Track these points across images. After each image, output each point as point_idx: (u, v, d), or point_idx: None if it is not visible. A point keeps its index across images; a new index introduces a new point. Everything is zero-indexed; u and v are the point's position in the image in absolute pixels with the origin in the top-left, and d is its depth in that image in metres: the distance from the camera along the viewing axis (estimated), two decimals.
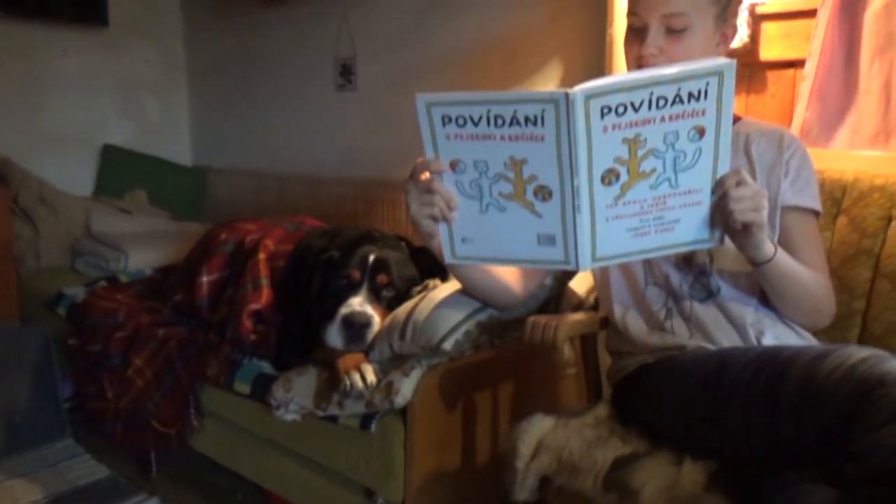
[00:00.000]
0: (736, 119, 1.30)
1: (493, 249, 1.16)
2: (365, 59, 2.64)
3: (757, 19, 1.62)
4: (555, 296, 1.60)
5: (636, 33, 1.23)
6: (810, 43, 1.52)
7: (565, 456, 1.08)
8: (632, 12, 1.24)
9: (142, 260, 2.59)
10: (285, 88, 2.98)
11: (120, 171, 3.18)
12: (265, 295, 1.79)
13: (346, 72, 2.69)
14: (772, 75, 1.64)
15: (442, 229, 1.17)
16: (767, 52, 1.62)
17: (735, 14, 1.26)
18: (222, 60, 3.26)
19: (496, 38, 2.22)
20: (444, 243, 1.19)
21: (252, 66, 3.12)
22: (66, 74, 3.08)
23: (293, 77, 2.94)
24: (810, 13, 1.54)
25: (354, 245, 1.67)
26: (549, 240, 1.10)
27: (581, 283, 1.67)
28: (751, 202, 1.04)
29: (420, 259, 1.71)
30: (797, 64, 1.59)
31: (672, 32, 1.19)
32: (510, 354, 1.60)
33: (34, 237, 2.72)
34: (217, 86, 3.32)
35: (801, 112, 1.55)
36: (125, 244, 2.61)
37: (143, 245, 2.65)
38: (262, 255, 1.87)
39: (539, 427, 1.16)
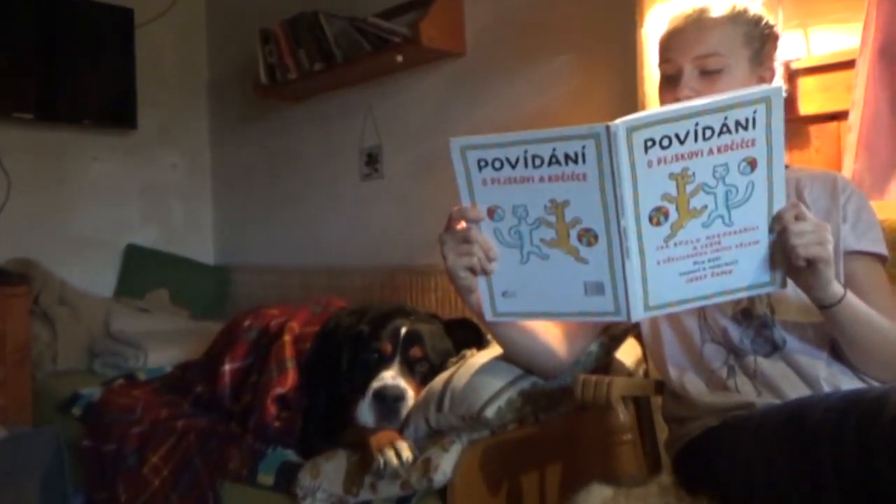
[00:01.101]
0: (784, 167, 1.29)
1: (537, 303, 1.12)
2: (391, 147, 2.71)
3: (793, 75, 1.63)
4: (601, 366, 1.54)
5: (670, 81, 1.24)
6: (852, 93, 1.52)
7: None
8: (664, 60, 1.25)
9: (162, 357, 2.57)
10: (310, 183, 3.06)
11: (142, 270, 3.23)
12: (290, 378, 1.75)
13: (372, 161, 2.76)
14: (814, 129, 1.64)
15: (481, 284, 1.15)
16: (807, 107, 1.63)
17: (771, 57, 1.26)
18: (247, 161, 3.38)
19: (525, 117, 2.27)
20: (483, 299, 1.16)
21: (276, 164, 3.22)
22: (95, 178, 3.20)
23: (318, 171, 3.02)
24: (847, 64, 1.55)
25: (385, 319, 1.64)
26: (598, 288, 1.06)
27: (628, 355, 1.62)
28: (814, 236, 1.01)
29: (454, 333, 1.68)
30: (840, 116, 1.59)
31: (707, 74, 1.20)
32: (557, 430, 1.53)
33: (52, 339, 2.73)
34: (241, 185, 3.42)
35: (849, 164, 1.53)
36: (145, 341, 2.61)
37: (164, 343, 2.64)
38: (287, 338, 1.84)
39: (598, 497, 1.08)
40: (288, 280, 3.08)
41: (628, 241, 1.01)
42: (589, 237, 1.03)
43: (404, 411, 1.47)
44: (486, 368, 1.38)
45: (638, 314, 1.05)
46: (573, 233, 1.04)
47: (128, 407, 2.12)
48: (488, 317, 1.17)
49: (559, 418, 1.53)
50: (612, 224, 1.01)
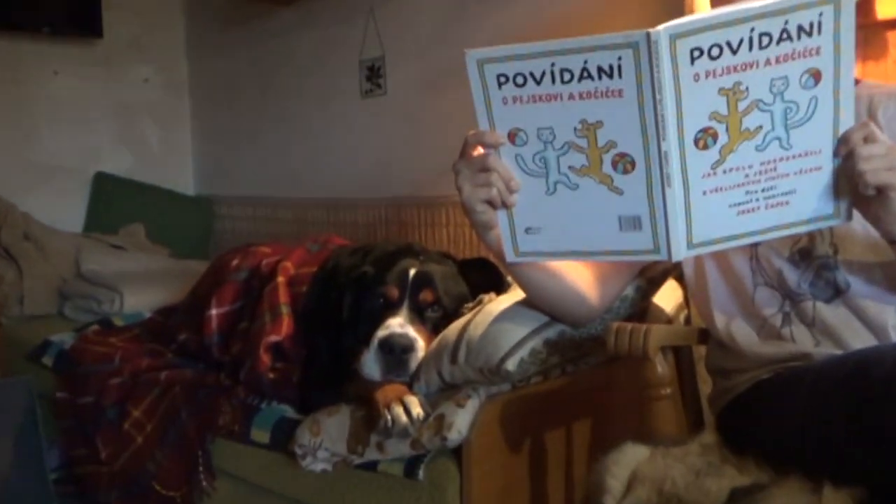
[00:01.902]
0: (855, 81, 1.26)
1: (565, 240, 1.14)
2: (395, 60, 2.68)
3: None
4: (637, 312, 1.56)
5: None
6: None
7: (668, 487, 1.02)
8: None
9: (139, 301, 2.61)
10: (303, 100, 3.04)
11: (114, 202, 3.25)
12: (285, 325, 1.78)
13: (374, 75, 2.73)
14: (893, 36, 1.60)
15: (501, 219, 1.15)
16: (885, 9, 1.59)
17: None
18: (230, 75, 3.35)
19: (549, 26, 2.22)
20: (504, 237, 1.17)
21: (264, 78, 3.19)
22: (57, 95, 3.18)
23: (312, 86, 2.99)
24: None
25: (391, 259, 1.66)
26: (634, 223, 1.07)
27: (668, 299, 1.63)
28: (884, 160, 1.00)
29: (469, 275, 1.69)
30: None
31: None
32: (587, 384, 1.56)
33: (17, 279, 2.76)
34: (225, 103, 3.40)
35: None
36: (120, 283, 2.64)
37: (141, 284, 2.67)
38: (280, 279, 1.87)
39: (632, 457, 1.11)
40: (280, 213, 3.09)
41: (670, 167, 1.00)
42: (625, 163, 1.03)
43: (414, 363, 1.49)
44: (506, 315, 1.39)
45: (680, 252, 1.06)
46: (607, 158, 1.04)
47: (105, 356, 2.17)
48: (509, 257, 1.18)
49: (589, 370, 1.55)
50: (651, 148, 1.00)
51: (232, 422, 1.77)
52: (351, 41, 2.79)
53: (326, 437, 1.52)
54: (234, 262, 2.07)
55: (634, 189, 1.04)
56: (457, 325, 1.46)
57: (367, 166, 2.82)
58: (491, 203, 1.13)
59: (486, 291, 1.61)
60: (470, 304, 1.57)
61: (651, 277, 1.55)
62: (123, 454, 1.95)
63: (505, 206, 1.12)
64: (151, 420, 1.93)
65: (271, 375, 1.74)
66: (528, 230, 1.14)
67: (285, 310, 1.81)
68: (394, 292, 1.58)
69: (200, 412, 1.84)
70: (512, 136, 1.08)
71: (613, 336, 1.23)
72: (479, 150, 1.11)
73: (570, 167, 1.07)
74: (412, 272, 1.60)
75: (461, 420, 1.36)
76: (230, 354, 1.90)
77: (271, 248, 2.10)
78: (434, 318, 1.58)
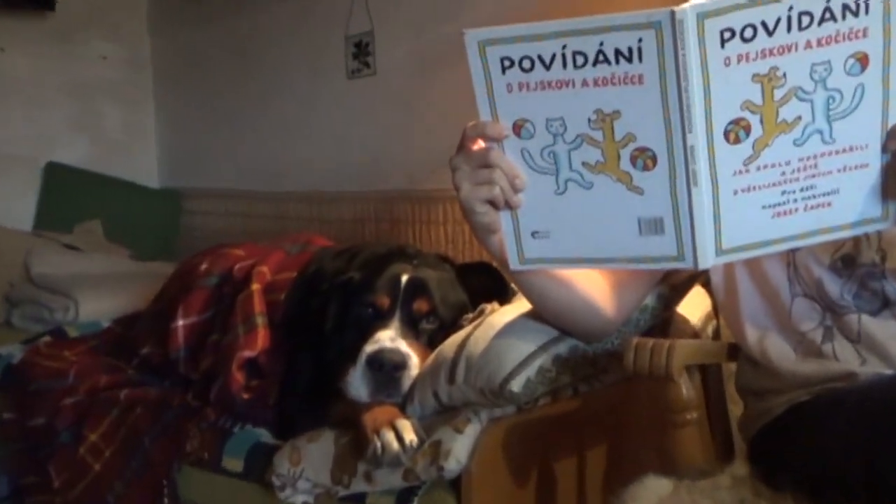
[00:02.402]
0: None
1: (577, 246, 1.14)
2: (386, 35, 2.68)
3: None
4: (659, 324, 1.57)
5: None
6: None
7: None
8: None
9: (96, 309, 2.62)
10: (281, 81, 3.04)
11: (68, 196, 3.26)
12: (261, 338, 1.79)
13: (362, 52, 2.74)
14: None
15: (505, 222, 1.15)
16: None
17: None
18: (200, 52, 3.36)
19: (558, 3, 2.22)
20: (507, 242, 1.17)
21: (238, 56, 3.20)
22: (3, 75, 3.18)
23: (291, 65, 3.00)
24: None
25: (381, 263, 1.67)
26: (655, 226, 1.07)
27: (694, 308, 1.63)
28: None
29: (469, 281, 1.70)
30: None
31: None
32: (602, 404, 1.56)
33: None
34: (193, 85, 3.41)
35: None
36: (74, 289, 2.65)
37: (98, 290, 2.68)
38: (255, 286, 1.88)
39: (653, 491, 1.11)
40: (256, 209, 3.10)
41: (696, 163, 1.00)
42: (645, 159, 1.03)
43: (406, 382, 1.49)
44: (511, 328, 1.40)
45: (708, 260, 1.06)
46: (625, 153, 1.04)
47: (58, 371, 2.18)
48: (514, 264, 1.18)
49: (604, 391, 1.56)
50: (675, 142, 1.00)
51: (201, 448, 1.77)
52: (336, 14, 2.79)
53: (308, 465, 1.52)
54: (204, 266, 2.08)
55: (656, 188, 1.04)
56: (455, 339, 1.46)
57: (354, 156, 2.82)
58: (493, 203, 1.12)
59: (489, 300, 1.61)
60: (470, 315, 1.58)
61: (675, 284, 1.55)
62: (79, 483, 1.96)
63: (509, 206, 1.12)
64: (111, 445, 1.94)
65: (245, 395, 1.75)
66: (534, 234, 1.14)
67: (261, 321, 1.81)
68: (384, 301, 1.58)
69: (165, 436, 1.85)
70: (517, 128, 1.08)
71: (632, 353, 1.23)
72: (480, 144, 1.11)
73: (583, 163, 1.07)
74: (405, 278, 1.61)
75: (460, 447, 1.36)
76: (199, 371, 1.91)
77: (245, 249, 2.12)
78: (429, 331, 1.59)
